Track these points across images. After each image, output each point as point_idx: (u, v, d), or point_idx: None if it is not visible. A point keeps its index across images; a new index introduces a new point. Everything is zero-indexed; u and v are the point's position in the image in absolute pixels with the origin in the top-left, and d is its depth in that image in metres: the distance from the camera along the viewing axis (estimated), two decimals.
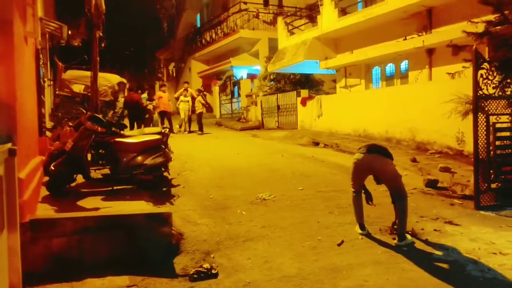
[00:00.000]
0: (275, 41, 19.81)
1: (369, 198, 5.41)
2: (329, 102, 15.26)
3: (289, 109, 17.45)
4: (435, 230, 5.43)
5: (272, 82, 20.04)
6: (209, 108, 24.51)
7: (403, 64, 14.04)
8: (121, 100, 14.68)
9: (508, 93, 7.15)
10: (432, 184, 7.70)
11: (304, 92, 16.93)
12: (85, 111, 8.67)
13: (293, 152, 11.24)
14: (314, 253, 4.73)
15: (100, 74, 9.62)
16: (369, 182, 5.38)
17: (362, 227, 5.29)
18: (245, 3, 22.67)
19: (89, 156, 6.85)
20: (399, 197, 5.01)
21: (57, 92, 12.48)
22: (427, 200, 6.95)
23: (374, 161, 5.04)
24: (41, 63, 7.49)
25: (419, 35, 12.27)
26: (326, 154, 11.08)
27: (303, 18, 20.27)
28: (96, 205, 5.56)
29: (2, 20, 4.37)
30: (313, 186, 7.48)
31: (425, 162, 9.35)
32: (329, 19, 15.43)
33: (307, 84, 19.10)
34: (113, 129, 6.90)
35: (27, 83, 5.64)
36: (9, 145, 3.67)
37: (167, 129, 7.48)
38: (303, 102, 16.44)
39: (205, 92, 24.54)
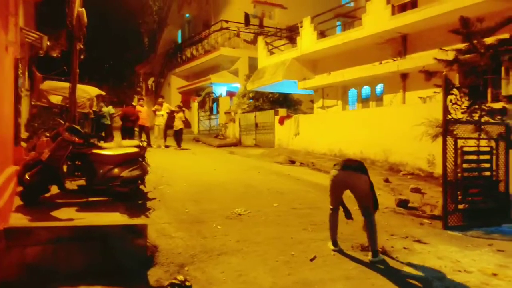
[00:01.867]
0: (255, 60, 20.22)
1: (348, 214, 5.51)
2: (307, 121, 15.56)
3: (267, 127, 17.73)
4: (404, 248, 5.61)
5: (251, 100, 20.37)
6: (186, 123, 24.60)
7: (379, 87, 14.48)
8: (105, 111, 14.70)
9: (476, 118, 7.51)
10: (403, 204, 7.95)
11: (282, 111, 17.24)
12: (62, 122, 8.61)
13: (269, 170, 11.42)
14: (288, 267, 4.82)
15: (79, 86, 9.62)
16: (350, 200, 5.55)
17: (335, 243, 5.42)
18: (227, 21, 23.07)
19: (65, 168, 6.78)
20: (368, 213, 5.18)
21: (33, 103, 12.33)
22: (398, 219, 7.16)
23: (349, 177, 5.21)
24: (19, 72, 7.46)
25: (394, 60, 12.74)
26: (302, 172, 11.28)
27: (283, 38, 20.76)
28: (71, 216, 5.52)
29: None
30: (288, 203, 7.61)
31: (397, 183, 9.63)
32: (308, 41, 15.87)
33: (285, 103, 19.57)
34: (91, 140, 6.89)
35: (5, 92, 5.63)
36: None
37: (145, 143, 7.52)
38: (281, 121, 16.72)
39: (184, 108, 24.72)
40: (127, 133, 14.04)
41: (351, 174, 5.20)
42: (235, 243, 5.54)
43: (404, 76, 12.81)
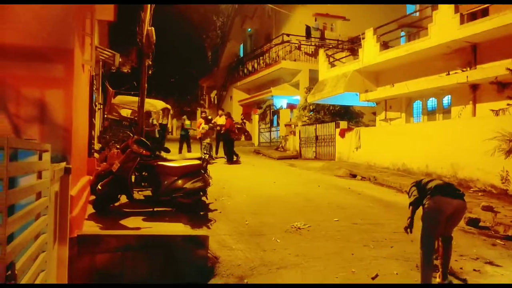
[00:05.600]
0: (316, 73, 20.15)
1: (411, 226, 4.94)
2: (368, 134, 15.20)
3: (327, 140, 17.52)
4: (474, 270, 5.28)
5: (312, 112, 20.27)
6: (248, 136, 24.97)
7: (446, 99, 13.85)
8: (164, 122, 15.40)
9: None
10: (473, 222, 7.49)
11: (343, 124, 16.98)
12: (131, 135, 9.11)
13: (329, 183, 11.26)
14: None
15: (146, 100, 10.12)
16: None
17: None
18: (288, 35, 23.26)
19: (132, 178, 7.13)
20: (450, 239, 4.87)
21: (106, 116, 13.17)
22: (468, 239, 6.75)
23: (461, 207, 4.73)
24: (94, 88, 8.01)
25: (463, 71, 12.14)
26: (363, 186, 11.00)
27: (344, 50, 20.53)
28: (138, 225, 5.80)
29: (65, 49, 4.79)
30: (349, 218, 7.46)
31: (467, 200, 9.08)
32: (371, 52, 15.57)
33: (346, 115, 19.26)
34: (157, 152, 7.20)
35: (82, 107, 6.07)
36: (64, 164, 3.99)
37: (207, 155, 7.73)
38: (342, 134, 16.46)
39: (245, 120, 25.15)
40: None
41: (463, 204, 4.74)
42: (294, 257, 5.51)
43: (473, 87, 12.16)
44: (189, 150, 15.47)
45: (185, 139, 16.25)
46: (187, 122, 16.47)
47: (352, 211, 8.03)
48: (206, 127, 14.96)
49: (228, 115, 15.91)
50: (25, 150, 2.61)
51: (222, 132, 15.31)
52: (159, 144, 13.99)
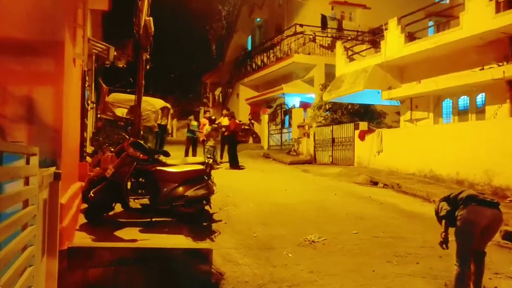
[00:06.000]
0: (332, 67, 20.13)
1: (446, 241, 4.92)
2: (391, 136, 15.15)
3: (345, 143, 17.49)
4: None
5: (328, 112, 20.24)
6: (256, 138, 24.97)
7: (479, 97, 13.76)
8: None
9: None
10: (510, 236, 7.42)
11: (363, 125, 16.91)
12: (127, 137, 9.16)
13: (347, 191, 11.24)
14: None
15: (144, 98, 10.17)
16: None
17: None
18: (301, 25, 23.21)
19: (128, 185, 7.17)
20: (483, 253, 4.85)
21: (99, 116, 13.28)
22: (504, 254, 6.70)
23: (497, 218, 4.77)
24: (86, 85, 8.07)
25: (499, 65, 12.05)
26: (385, 195, 10.97)
27: (364, 43, 20.48)
28: (134, 237, 5.85)
29: (54, 42, 4.83)
30: (369, 230, 7.44)
31: (503, 211, 9.01)
32: (394, 44, 15.51)
33: (367, 115, 19.21)
34: (156, 156, 7.23)
35: (73, 105, 6.11)
36: (53, 169, 4.02)
37: (211, 160, 7.74)
38: (362, 136, 16.42)
39: (253, 121, 25.14)
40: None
41: (499, 215, 4.76)
42: (308, 274, 5.52)
43: (511, 84, 12.07)
44: (194, 154, 15.54)
45: (192, 141, 16.36)
46: (194, 123, 16.56)
47: (373, 222, 8.01)
48: (210, 128, 15.01)
49: (231, 115, 15.97)
50: (11, 153, 2.64)
51: (226, 134, 15.40)
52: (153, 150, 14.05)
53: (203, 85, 37.28)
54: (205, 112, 17.61)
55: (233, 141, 15.26)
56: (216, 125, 15.28)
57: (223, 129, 15.45)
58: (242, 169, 15.13)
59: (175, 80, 33.82)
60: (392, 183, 12.34)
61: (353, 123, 17.39)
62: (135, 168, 6.78)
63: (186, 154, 15.57)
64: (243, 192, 10.22)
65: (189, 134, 16.53)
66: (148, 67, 9.10)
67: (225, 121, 15.80)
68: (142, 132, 9.86)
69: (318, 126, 19.79)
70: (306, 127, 20.76)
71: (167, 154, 7.59)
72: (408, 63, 15.79)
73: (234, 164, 15.02)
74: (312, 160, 19.19)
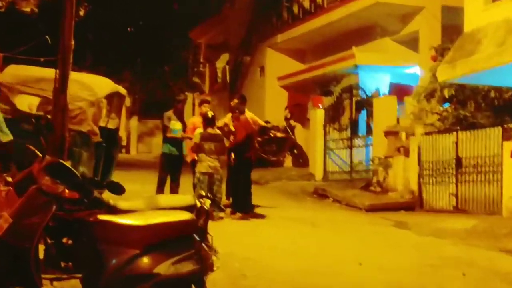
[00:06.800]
0: (456, 14, 12.56)
1: None
2: None
3: (484, 167, 11.20)
4: None
5: (447, 104, 13.11)
6: (300, 156, 17.19)
7: None
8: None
9: None
10: None
11: None
12: (38, 153, 5.85)
13: (489, 269, 7.46)
14: None
15: (74, 76, 7.19)
16: None
17: None
18: None
19: (41, 251, 4.52)
20: None
21: None
22: None
23: None
24: None
25: None
26: None
27: None
28: None
29: None
30: None
31: None
32: None
33: None
34: (96, 194, 4.48)
35: None
36: None
37: (208, 200, 4.89)
38: None
39: (293, 122, 17.65)
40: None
41: None
42: None
43: None
44: (174, 190, 10.19)
45: (173, 163, 10.38)
46: (177, 125, 10.58)
47: None
48: (205, 134, 9.56)
49: (239, 107, 10.25)
50: None
51: (230, 146, 10.08)
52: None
53: (193, 48, 24.15)
54: (200, 103, 12.09)
55: (244, 160, 10.01)
56: (218, 130, 9.83)
57: (231, 138, 10.17)
58: (263, 217, 10.34)
59: (136, 40, 20.76)
60: None
61: (499, 127, 10.95)
62: (55, 217, 4.30)
63: (160, 190, 10.06)
64: (272, 268, 6.71)
65: (165, 148, 10.52)
66: (82, 13, 6.84)
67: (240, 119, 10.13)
68: (70, 144, 6.90)
69: (427, 134, 12.72)
70: (403, 134, 13.52)
71: (118, 189, 4.57)
72: None
73: (247, 207, 9.99)
74: (415, 203, 12.71)
